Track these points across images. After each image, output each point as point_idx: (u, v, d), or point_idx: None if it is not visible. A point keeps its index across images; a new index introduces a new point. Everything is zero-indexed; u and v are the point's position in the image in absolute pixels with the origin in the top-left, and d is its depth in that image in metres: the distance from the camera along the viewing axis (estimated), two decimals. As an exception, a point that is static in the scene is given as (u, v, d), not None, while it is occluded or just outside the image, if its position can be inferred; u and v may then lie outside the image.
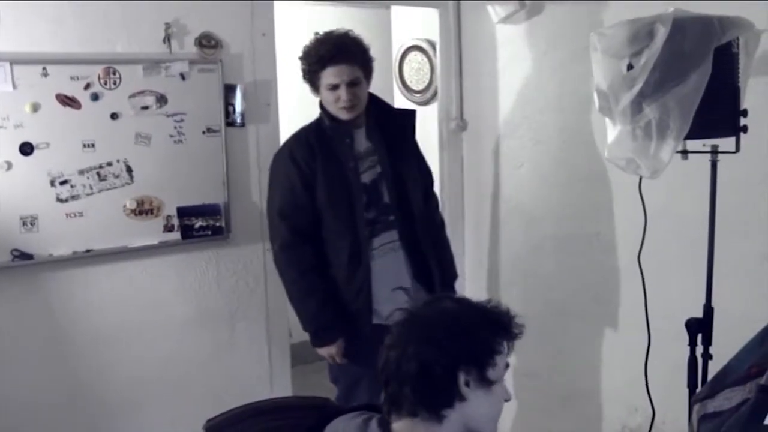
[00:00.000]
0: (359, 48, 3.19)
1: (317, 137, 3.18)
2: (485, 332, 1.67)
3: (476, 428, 1.70)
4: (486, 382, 1.66)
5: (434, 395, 1.64)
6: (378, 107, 3.31)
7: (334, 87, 3.11)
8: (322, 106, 3.22)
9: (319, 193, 3.13)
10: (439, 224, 3.51)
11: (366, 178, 3.20)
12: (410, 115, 3.43)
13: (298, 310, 3.23)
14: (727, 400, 2.05)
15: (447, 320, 1.67)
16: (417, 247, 3.28)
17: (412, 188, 3.28)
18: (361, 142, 3.23)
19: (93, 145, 3.19)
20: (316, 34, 3.23)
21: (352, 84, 3.11)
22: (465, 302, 1.75)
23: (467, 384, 1.64)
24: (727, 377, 2.12)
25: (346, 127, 3.18)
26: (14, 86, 3.03)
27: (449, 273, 3.46)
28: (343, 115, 3.15)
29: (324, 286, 3.17)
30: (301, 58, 3.18)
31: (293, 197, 3.14)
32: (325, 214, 3.15)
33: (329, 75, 3.10)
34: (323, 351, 3.24)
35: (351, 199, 3.15)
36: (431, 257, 3.31)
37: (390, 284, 3.19)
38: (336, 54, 3.10)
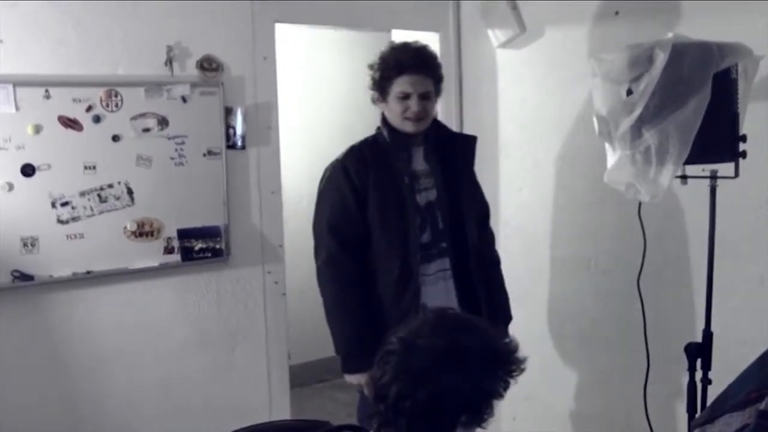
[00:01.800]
0: (436, 62, 3.12)
1: (372, 151, 3.10)
2: (493, 383, 1.65)
3: None
4: (479, 424, 1.66)
5: (401, 423, 1.64)
6: (439, 129, 3.23)
7: (406, 96, 3.02)
8: (383, 120, 3.13)
9: (371, 208, 3.04)
10: (494, 261, 3.37)
11: (421, 199, 3.10)
12: (471, 141, 3.33)
13: (334, 330, 3.09)
14: (727, 425, 2.05)
15: (462, 365, 1.63)
16: (468, 280, 3.16)
17: (468, 217, 3.18)
18: (419, 161, 3.13)
19: (94, 167, 3.20)
20: (392, 43, 3.20)
21: (423, 97, 3.04)
22: (480, 341, 1.69)
23: (463, 425, 1.64)
24: (727, 402, 2.12)
25: (406, 143, 3.10)
26: (17, 108, 3.05)
27: (501, 314, 3.30)
28: (409, 128, 3.06)
29: (365, 307, 3.05)
30: (374, 65, 3.10)
31: (344, 210, 3.04)
32: (375, 231, 3.05)
33: (404, 83, 3.02)
34: (353, 379, 3.08)
35: (405, 218, 3.05)
36: (481, 293, 3.18)
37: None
38: (415, 62, 3.03)
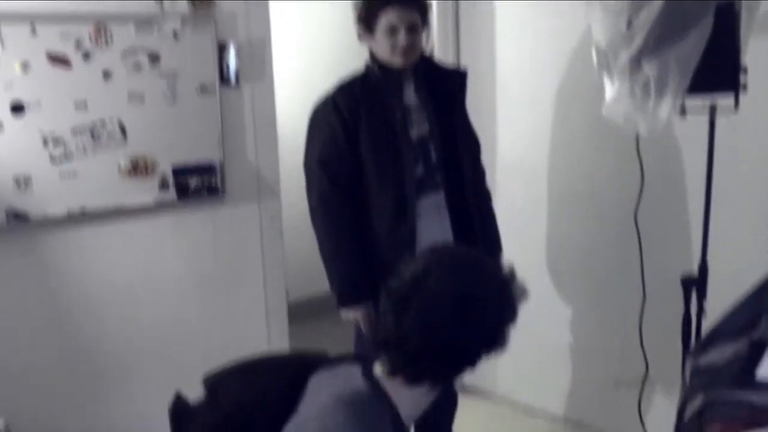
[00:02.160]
0: None
1: (363, 87, 3.07)
2: (509, 310, 1.66)
3: None
4: (497, 353, 1.67)
5: (413, 375, 1.65)
6: (428, 64, 3.20)
7: (393, 30, 2.99)
8: (371, 55, 3.10)
9: (363, 144, 3.02)
10: (485, 195, 3.38)
11: (414, 133, 3.09)
12: (461, 75, 3.29)
13: (328, 267, 3.11)
14: (720, 354, 2.07)
15: (480, 306, 1.62)
16: (463, 213, 3.18)
17: (462, 150, 3.18)
18: (410, 96, 3.11)
19: (85, 105, 3.17)
20: None
21: (410, 29, 3.00)
22: (491, 280, 1.68)
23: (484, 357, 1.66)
24: (721, 332, 2.14)
25: (396, 77, 3.07)
26: (2, 45, 3.00)
27: (494, 246, 3.34)
28: (398, 62, 3.03)
29: (359, 245, 3.07)
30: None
31: (335, 146, 3.02)
32: (368, 166, 3.04)
33: (390, 16, 2.97)
34: (348, 314, 3.12)
35: (398, 153, 3.04)
36: (477, 225, 3.20)
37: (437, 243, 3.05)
38: None
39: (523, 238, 4.06)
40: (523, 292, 1.68)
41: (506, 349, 1.68)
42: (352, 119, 3.02)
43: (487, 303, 1.63)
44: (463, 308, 1.59)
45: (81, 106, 3.16)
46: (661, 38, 2.46)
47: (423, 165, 3.10)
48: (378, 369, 1.70)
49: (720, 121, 2.76)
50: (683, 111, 2.72)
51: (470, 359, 1.64)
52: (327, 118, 3.06)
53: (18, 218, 3.06)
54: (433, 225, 3.12)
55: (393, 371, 1.66)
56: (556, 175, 3.97)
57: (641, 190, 3.08)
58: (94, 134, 3.19)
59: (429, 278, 1.62)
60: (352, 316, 3.12)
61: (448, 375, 1.70)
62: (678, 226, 3.45)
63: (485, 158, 3.40)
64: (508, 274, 1.69)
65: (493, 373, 4.29)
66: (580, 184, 3.85)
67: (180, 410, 1.84)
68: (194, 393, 1.90)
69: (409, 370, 1.64)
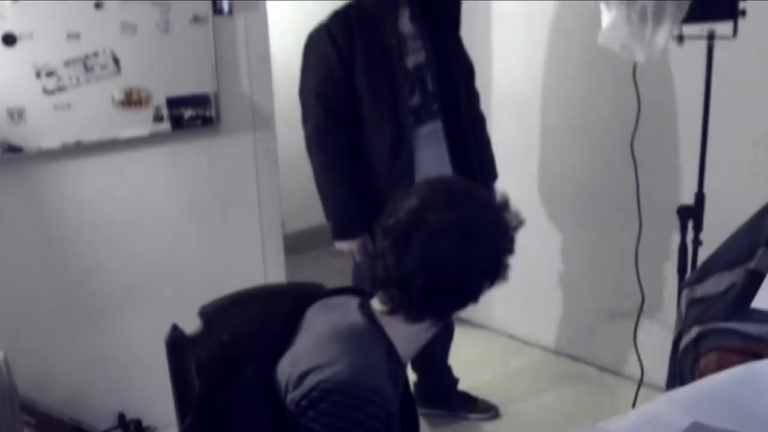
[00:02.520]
0: None
1: (358, 15, 3.02)
2: (507, 239, 1.65)
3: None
4: (500, 283, 1.68)
5: (410, 309, 1.65)
6: None
7: None
8: None
9: (358, 74, 3.00)
10: (480, 119, 3.37)
11: (410, 62, 3.07)
12: (455, 2, 3.24)
13: (324, 199, 3.13)
14: (716, 284, 2.08)
15: (480, 236, 1.61)
16: (461, 140, 3.17)
17: (458, 78, 3.16)
18: (405, 24, 3.08)
19: (78, 36, 3.12)
20: None
21: None
22: (487, 208, 1.67)
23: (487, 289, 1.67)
24: (717, 262, 2.14)
25: (392, 5, 3.03)
26: (-7, -26, 2.95)
27: (490, 171, 3.35)
28: None
29: (355, 175, 3.07)
30: None
31: (330, 76, 3.00)
32: (364, 97, 3.02)
33: None
34: (344, 245, 3.15)
35: (394, 82, 3.02)
36: (473, 152, 3.21)
37: (433, 174, 3.03)
38: None
39: (517, 170, 4.06)
40: (519, 221, 1.67)
41: (507, 280, 1.68)
42: (348, 48, 2.99)
43: (486, 233, 1.62)
44: (463, 240, 1.58)
45: (73, 37, 3.11)
46: (658, -37, 2.42)
47: (419, 94, 3.08)
48: (375, 303, 1.70)
49: (718, 48, 2.73)
50: (681, 38, 2.69)
51: (473, 292, 1.64)
52: (322, 48, 3.03)
53: (12, 151, 3.04)
54: (431, 154, 3.12)
55: (395, 310, 1.65)
56: (552, 105, 3.95)
57: (637, 119, 3.06)
58: (87, 66, 3.15)
59: (427, 214, 1.59)
60: (348, 248, 3.13)
61: (450, 311, 1.70)
62: (675, 155, 3.44)
63: (480, 90, 3.37)
64: (502, 202, 1.68)
65: (487, 306, 4.31)
66: (575, 114, 3.83)
67: (176, 341, 1.85)
68: (190, 324, 1.91)
69: (412, 309, 1.64)
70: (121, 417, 3.50)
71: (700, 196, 2.85)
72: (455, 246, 1.57)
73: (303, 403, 1.51)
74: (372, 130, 3.05)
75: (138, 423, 3.52)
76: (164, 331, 1.86)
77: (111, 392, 3.47)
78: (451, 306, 1.67)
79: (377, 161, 3.06)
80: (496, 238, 1.63)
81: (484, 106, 3.40)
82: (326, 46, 3.01)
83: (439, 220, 1.58)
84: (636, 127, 3.07)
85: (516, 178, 3.99)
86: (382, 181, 3.06)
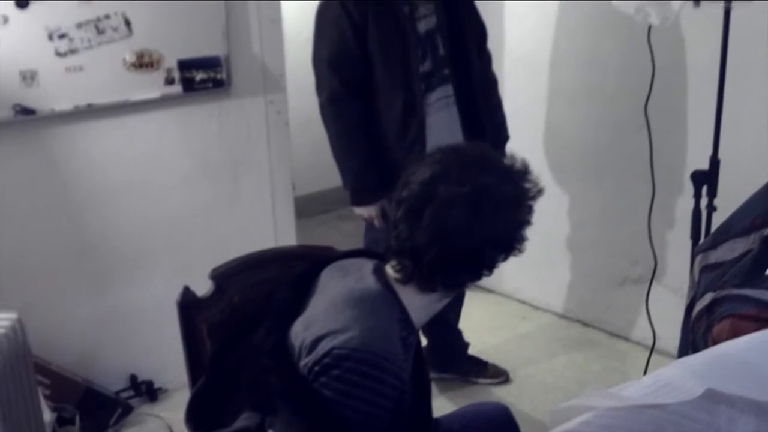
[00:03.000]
0: None
1: None
2: (524, 210, 1.64)
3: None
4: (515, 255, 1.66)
5: (422, 279, 1.64)
6: None
7: None
8: None
9: (371, 42, 2.98)
10: (491, 81, 3.36)
11: (421, 27, 3.04)
12: None
13: (341, 167, 3.14)
14: (730, 251, 2.07)
15: (495, 207, 1.59)
16: (471, 104, 3.15)
17: (469, 42, 3.13)
18: None
19: (89, -3, 3.11)
20: None
21: None
22: (503, 177, 1.63)
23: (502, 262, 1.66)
24: (731, 229, 2.13)
25: None
26: (4, -65, 2.93)
27: (501, 134, 3.34)
28: None
29: (370, 143, 3.07)
30: None
31: (344, 46, 2.99)
32: (377, 65, 3.01)
33: None
34: (362, 211, 3.17)
35: (406, 49, 3.00)
36: (485, 116, 3.19)
37: (443, 141, 3.00)
38: None
39: (529, 133, 4.04)
40: (538, 189, 1.65)
41: (523, 251, 1.66)
42: (360, 17, 2.97)
43: (499, 206, 1.59)
44: (474, 213, 1.56)
45: (85, -2, 3.10)
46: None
47: (431, 59, 3.06)
48: (389, 269, 1.70)
49: (735, 10, 2.70)
50: (697, 0, 2.66)
51: (485, 265, 1.63)
52: (335, 17, 3.01)
53: (25, 113, 3.04)
54: (441, 119, 3.11)
55: (407, 280, 1.65)
56: (565, 68, 3.92)
57: (652, 82, 3.03)
58: (98, 28, 3.13)
59: (438, 186, 1.58)
60: (367, 213, 3.15)
61: (462, 282, 1.68)
62: (689, 119, 3.41)
63: (492, 53, 3.35)
64: (521, 169, 1.66)
65: (498, 271, 4.29)
66: (588, 77, 3.80)
67: (188, 303, 1.85)
68: (202, 286, 1.91)
69: (424, 279, 1.63)
70: (133, 378, 3.53)
71: (714, 161, 2.83)
72: (466, 218, 1.56)
73: (316, 369, 1.52)
74: (384, 98, 3.05)
75: (150, 384, 3.55)
76: (176, 293, 1.86)
77: (123, 353, 3.49)
78: (463, 278, 1.66)
79: (389, 128, 3.06)
80: (510, 210, 1.61)
81: (496, 68, 3.37)
82: (339, 16, 2.99)
83: (450, 192, 1.57)
84: (650, 91, 3.04)
85: (528, 142, 3.97)
86: (395, 147, 3.06)
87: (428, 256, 1.58)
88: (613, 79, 3.69)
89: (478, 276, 1.65)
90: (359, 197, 3.16)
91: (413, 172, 1.64)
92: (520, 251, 1.65)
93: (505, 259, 1.64)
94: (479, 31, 3.26)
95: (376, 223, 3.17)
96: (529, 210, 1.64)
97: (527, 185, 1.64)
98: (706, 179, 2.83)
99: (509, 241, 1.62)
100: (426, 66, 3.06)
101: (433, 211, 1.57)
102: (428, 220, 1.57)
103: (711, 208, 2.83)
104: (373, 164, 3.08)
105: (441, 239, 1.57)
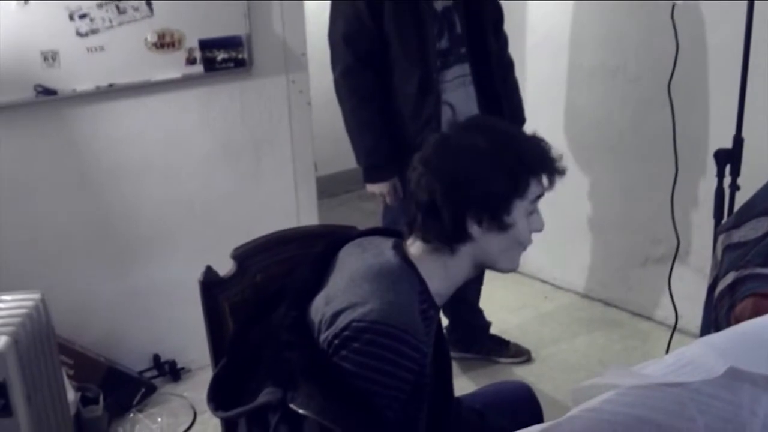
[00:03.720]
0: None
1: None
2: (500, 183, 1.62)
3: (491, 264, 1.72)
4: (501, 226, 1.64)
5: (442, 231, 1.64)
6: None
7: None
8: None
9: (387, 18, 2.97)
10: (508, 63, 3.35)
11: (438, 5, 3.03)
12: None
13: (354, 143, 3.15)
14: (753, 230, 2.05)
15: (470, 159, 1.62)
16: (489, 84, 3.15)
17: (486, 21, 3.12)
18: None
19: (110, -23, 3.11)
20: None
21: None
22: (501, 137, 1.67)
23: (480, 224, 1.63)
24: (755, 208, 2.11)
25: None
26: None
27: (518, 116, 3.33)
28: None
29: (384, 119, 3.08)
30: None
31: (359, 24, 2.99)
32: (392, 41, 3.00)
33: None
34: (374, 188, 3.17)
35: (421, 26, 2.99)
36: (502, 95, 3.18)
37: (459, 119, 3.02)
38: None
39: (551, 112, 4.02)
40: (562, 168, 1.67)
41: (537, 195, 1.66)
42: None
43: (509, 149, 1.63)
44: (483, 156, 1.61)
45: (106, -22, 3.10)
46: None
47: (447, 37, 3.05)
48: (409, 244, 1.70)
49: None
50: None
51: (500, 207, 1.63)
52: None
53: (47, 93, 3.05)
54: (458, 97, 3.10)
55: (426, 237, 1.66)
56: (587, 46, 3.89)
57: (675, 60, 3.00)
58: (119, 8, 3.14)
59: (451, 139, 1.67)
60: (378, 190, 3.15)
61: (446, 234, 1.66)
62: (713, 97, 3.38)
63: (514, 32, 3.33)
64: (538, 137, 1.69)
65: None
66: (611, 56, 3.77)
67: (210, 283, 1.86)
68: (224, 266, 1.92)
69: (443, 234, 1.64)
70: (156, 358, 3.56)
71: (738, 140, 2.80)
72: (477, 160, 1.61)
73: (335, 342, 1.52)
74: (400, 74, 3.05)
75: (173, 364, 3.57)
76: (198, 273, 1.87)
77: (146, 333, 3.52)
78: (438, 228, 1.64)
79: (404, 105, 3.06)
80: (521, 154, 1.63)
81: (518, 48, 3.36)
82: None
83: (460, 139, 1.66)
84: (674, 69, 3.02)
85: (550, 120, 3.96)
86: (410, 124, 3.06)
87: (442, 204, 1.61)
88: (636, 58, 3.67)
89: (458, 238, 1.64)
90: (371, 173, 3.17)
91: (430, 138, 1.71)
92: (532, 196, 1.66)
93: (489, 220, 1.63)
94: (496, 13, 3.25)
95: (388, 200, 3.17)
96: (543, 160, 1.66)
97: (543, 144, 1.68)
98: (730, 158, 2.80)
99: (519, 184, 1.63)
100: (442, 44, 3.05)
101: (444, 157, 1.64)
102: (437, 165, 1.63)
103: (734, 187, 2.81)
104: (386, 140, 3.09)
105: (457, 185, 1.61)
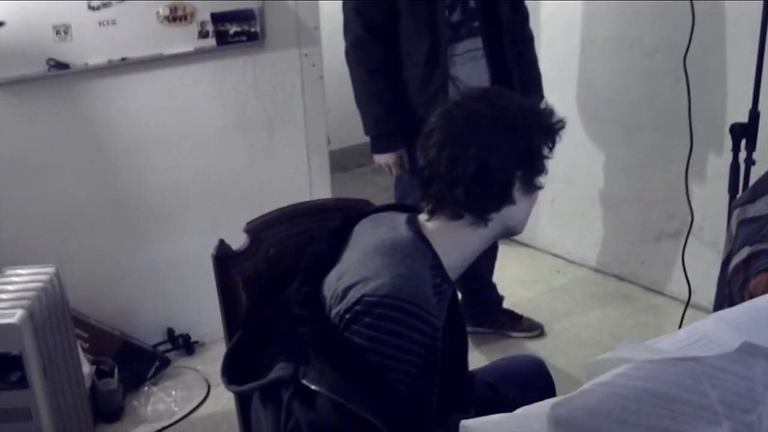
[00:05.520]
0: None
1: None
2: (540, 137, 1.63)
3: (515, 229, 1.72)
4: (533, 187, 1.65)
5: (489, 199, 1.62)
6: None
7: None
8: None
9: None
10: (527, 38, 3.30)
11: None
12: None
13: (363, 112, 3.16)
14: (768, 205, 2.04)
15: (507, 121, 1.61)
16: (501, 59, 3.11)
17: None
18: None
19: (122, -50, 3.10)
20: None
21: None
22: (518, 102, 1.68)
23: (523, 187, 1.63)
24: (770, 182, 2.10)
25: None
26: None
27: (535, 91, 3.29)
28: None
29: (392, 90, 3.08)
30: None
31: None
32: (402, 12, 2.99)
33: None
34: (381, 158, 3.18)
35: None
36: (515, 71, 3.15)
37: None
38: None
39: (566, 86, 4.00)
40: (560, 121, 1.66)
41: (543, 172, 1.65)
42: None
43: (515, 120, 1.62)
44: (488, 117, 1.61)
45: (117, -49, 3.09)
46: None
47: (460, 10, 3.03)
48: (423, 219, 1.70)
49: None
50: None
51: (505, 183, 1.62)
52: None
53: (59, 67, 3.05)
54: (468, 71, 3.09)
55: (435, 209, 1.66)
56: (602, 20, 3.86)
57: (691, 33, 2.97)
58: (131, -20, 3.13)
59: (457, 108, 1.65)
60: (385, 161, 3.17)
61: (489, 205, 1.65)
62: (729, 71, 3.36)
63: (530, 5, 3.30)
64: (543, 107, 1.69)
65: (532, 224, 4.30)
66: (627, 28, 3.75)
67: (224, 257, 1.86)
68: (237, 240, 1.92)
69: (459, 205, 1.63)
70: (170, 331, 3.57)
71: (754, 114, 2.78)
72: (475, 125, 1.60)
73: (347, 317, 1.52)
74: (409, 46, 3.04)
75: (187, 337, 3.59)
76: (211, 247, 1.87)
77: (160, 307, 3.54)
78: (485, 197, 1.63)
79: (412, 76, 3.06)
80: (524, 123, 1.62)
81: (532, 21, 3.33)
82: None
83: (467, 108, 1.64)
84: (689, 43, 2.99)
85: (564, 94, 3.94)
86: (417, 96, 3.06)
87: (441, 171, 1.60)
88: (651, 31, 3.64)
89: (501, 202, 1.63)
90: (378, 143, 3.18)
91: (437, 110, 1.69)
92: (539, 172, 1.65)
93: (525, 180, 1.63)
94: None
95: (394, 171, 3.19)
96: (547, 130, 1.65)
97: (551, 120, 1.66)
98: (746, 132, 2.78)
99: (525, 158, 1.62)
100: (455, 16, 3.03)
101: (443, 125, 1.63)
102: (437, 135, 1.62)
103: (750, 162, 2.79)
104: (393, 111, 3.09)
105: (449, 148, 1.60)
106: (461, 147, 1.58)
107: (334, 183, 3.94)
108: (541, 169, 1.64)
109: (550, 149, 1.65)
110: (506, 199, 1.63)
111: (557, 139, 1.65)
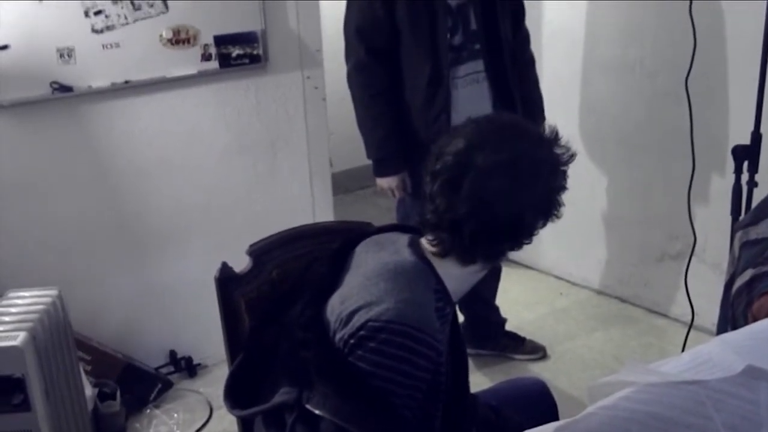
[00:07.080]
0: None
1: None
2: (560, 179, 1.61)
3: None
4: (553, 221, 1.64)
5: (505, 246, 1.63)
6: None
7: None
8: None
9: (399, 12, 2.97)
10: (528, 60, 3.32)
11: (452, 1, 3.01)
12: None
13: (365, 136, 3.16)
14: (771, 227, 2.03)
15: (532, 173, 1.57)
16: (503, 81, 3.12)
17: (502, 17, 3.08)
18: None
19: (125, -27, 3.12)
20: None
21: None
22: (538, 144, 1.61)
23: (512, 248, 1.64)
24: (773, 204, 2.10)
25: None
26: None
27: (537, 113, 3.29)
28: None
29: (394, 113, 3.08)
30: None
31: (372, 16, 2.99)
32: (404, 35, 3.00)
33: None
34: (383, 182, 3.18)
35: (434, 20, 2.97)
36: (517, 94, 3.15)
37: (470, 115, 2.96)
38: None
39: (567, 107, 4.01)
40: (570, 155, 1.63)
41: (561, 216, 1.64)
42: None
43: (537, 171, 1.58)
44: (514, 180, 1.55)
45: (120, -26, 3.11)
46: None
47: (462, 33, 3.04)
48: (425, 242, 1.69)
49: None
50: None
51: (526, 233, 1.61)
52: None
53: (63, 90, 3.06)
54: (470, 93, 3.09)
55: (446, 253, 1.63)
56: (604, 40, 3.87)
57: (693, 55, 2.98)
58: (134, 4, 3.15)
59: (475, 155, 1.55)
60: (387, 185, 3.18)
61: (502, 252, 1.66)
62: (731, 93, 3.36)
63: (530, 25, 3.31)
64: (552, 136, 1.63)
65: (535, 247, 4.27)
66: (628, 50, 3.76)
67: (226, 279, 1.86)
68: (240, 262, 1.92)
69: (465, 251, 1.61)
70: (173, 354, 3.57)
71: (756, 136, 2.79)
72: (506, 186, 1.54)
73: (351, 341, 1.52)
74: (411, 68, 3.04)
75: (189, 360, 3.59)
76: (214, 269, 1.87)
77: (162, 330, 3.53)
78: (503, 247, 1.63)
79: (414, 99, 3.06)
80: (548, 175, 1.59)
81: (534, 42, 3.34)
82: None
83: (488, 161, 1.54)
84: (691, 64, 3.00)
85: (566, 115, 3.94)
86: (419, 119, 3.06)
87: (468, 227, 1.55)
88: (653, 52, 3.65)
89: (518, 244, 1.62)
90: (380, 167, 3.17)
91: (446, 144, 1.61)
92: (558, 217, 1.63)
93: (543, 225, 1.62)
94: (516, 8, 3.22)
95: (396, 194, 3.19)
96: (564, 175, 1.63)
97: (559, 150, 1.62)
98: (748, 154, 2.79)
99: (548, 207, 1.60)
100: (456, 39, 3.04)
101: (472, 181, 1.54)
102: (468, 191, 1.54)
103: (752, 184, 2.79)
104: (395, 134, 3.09)
105: (481, 208, 1.54)
106: (489, 208, 1.55)
107: (336, 205, 3.94)
108: (560, 208, 1.63)
109: (566, 187, 1.64)
110: (522, 244, 1.63)
111: (551, 219, 1.64)
